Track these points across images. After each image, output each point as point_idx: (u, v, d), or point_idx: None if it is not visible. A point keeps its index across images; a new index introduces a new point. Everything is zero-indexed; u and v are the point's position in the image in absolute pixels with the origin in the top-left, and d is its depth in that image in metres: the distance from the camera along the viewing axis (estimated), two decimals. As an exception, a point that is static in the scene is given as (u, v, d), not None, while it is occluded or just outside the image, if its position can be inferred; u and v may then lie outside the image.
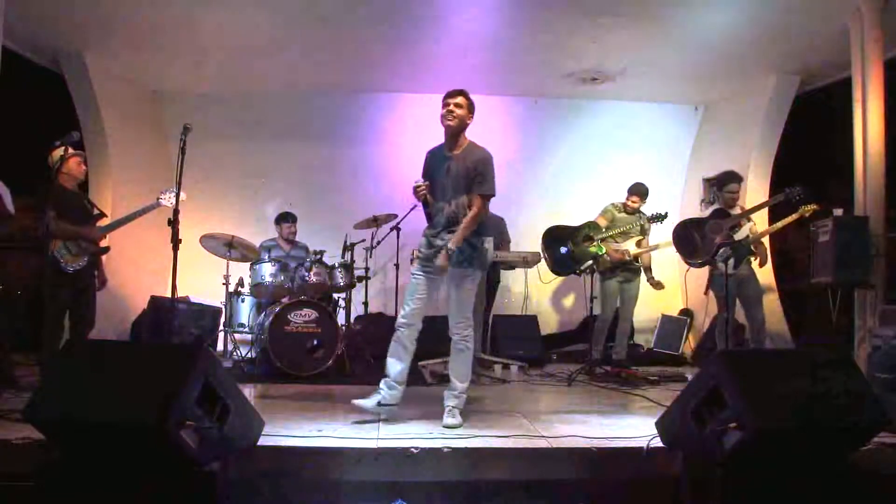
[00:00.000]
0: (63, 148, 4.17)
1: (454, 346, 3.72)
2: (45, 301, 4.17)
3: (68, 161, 4.43)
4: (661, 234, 5.92)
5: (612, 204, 6.02)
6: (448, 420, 3.55)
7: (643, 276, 5.97)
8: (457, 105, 3.62)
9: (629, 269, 5.89)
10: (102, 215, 4.82)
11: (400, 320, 3.76)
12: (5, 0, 4.92)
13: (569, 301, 7.48)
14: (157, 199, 4.72)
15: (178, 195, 4.06)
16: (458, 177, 3.64)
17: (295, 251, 6.51)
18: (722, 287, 5.07)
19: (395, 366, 3.72)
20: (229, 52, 6.36)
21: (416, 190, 3.71)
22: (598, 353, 5.82)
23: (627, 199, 5.95)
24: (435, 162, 3.77)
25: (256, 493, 2.81)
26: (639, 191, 5.93)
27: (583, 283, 6.05)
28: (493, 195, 3.67)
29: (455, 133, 3.67)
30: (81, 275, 4.53)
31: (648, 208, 5.90)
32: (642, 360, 6.80)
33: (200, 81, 7.17)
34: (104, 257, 4.85)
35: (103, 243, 4.70)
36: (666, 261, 6.94)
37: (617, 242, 5.84)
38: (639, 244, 5.90)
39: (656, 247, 5.91)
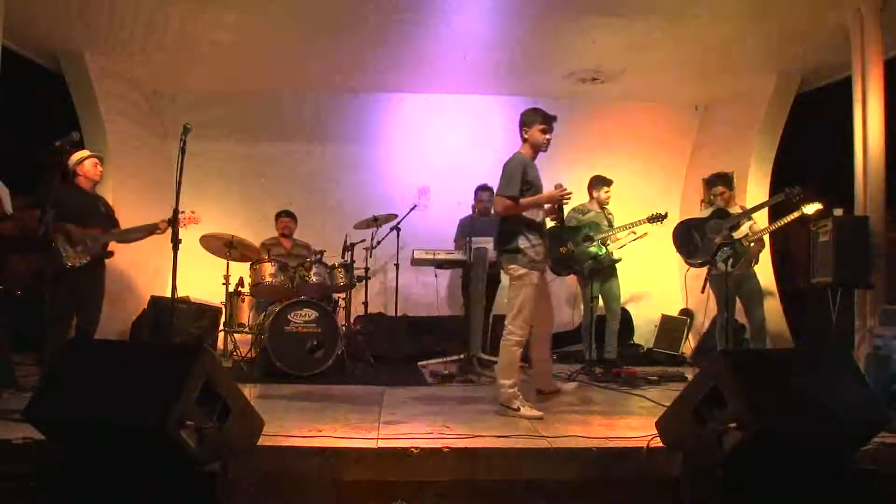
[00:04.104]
0: (83, 151, 4.26)
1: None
2: (45, 301, 4.18)
3: (83, 163, 4.63)
4: (656, 232, 5.92)
5: (573, 209, 6.04)
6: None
7: (635, 275, 6.00)
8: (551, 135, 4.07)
9: (608, 269, 5.89)
10: (114, 222, 4.87)
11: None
12: (5, 0, 4.92)
13: (568, 301, 7.48)
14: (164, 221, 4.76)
15: (177, 195, 4.06)
16: None
17: (296, 249, 6.52)
18: (722, 287, 5.07)
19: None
20: (229, 51, 6.35)
21: (565, 192, 3.93)
22: (593, 354, 5.83)
23: (596, 192, 5.98)
24: (535, 171, 4.00)
25: (256, 493, 2.81)
26: (607, 181, 5.96)
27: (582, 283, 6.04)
28: None
29: None
30: (81, 273, 4.54)
31: (648, 208, 5.89)
32: (642, 360, 6.80)
33: (200, 81, 7.17)
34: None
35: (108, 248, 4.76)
36: (666, 261, 6.95)
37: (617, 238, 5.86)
38: (613, 239, 5.89)
39: (635, 238, 5.88)
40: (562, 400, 4.34)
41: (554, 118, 3.98)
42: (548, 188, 4.09)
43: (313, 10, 5.55)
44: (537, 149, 4.01)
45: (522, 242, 3.82)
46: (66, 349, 3.13)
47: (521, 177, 3.85)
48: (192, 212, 4.64)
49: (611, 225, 5.92)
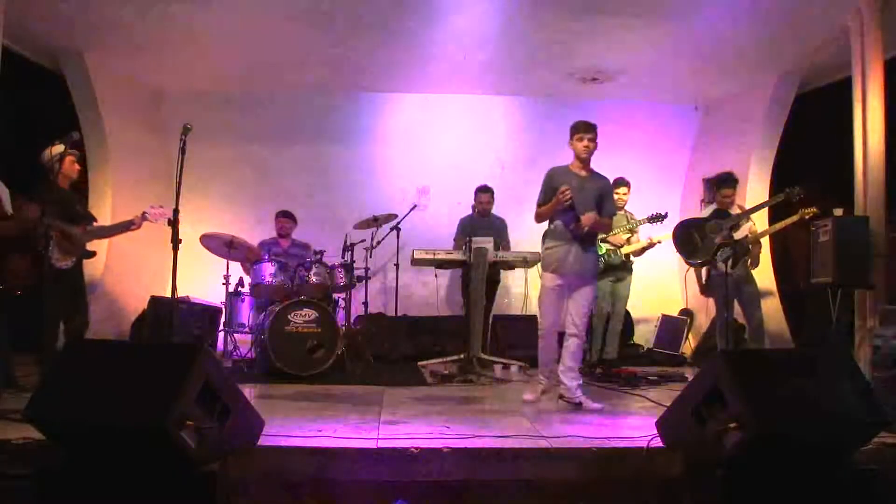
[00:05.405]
0: (59, 146, 4.20)
1: None
2: (44, 301, 4.17)
3: (64, 160, 4.48)
4: (659, 232, 5.91)
5: None
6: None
7: (634, 276, 5.99)
8: (591, 140, 4.28)
9: (621, 268, 5.88)
10: (92, 219, 4.85)
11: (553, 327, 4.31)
12: (5, 0, 4.92)
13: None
14: (143, 213, 4.71)
15: (177, 195, 4.06)
16: (589, 195, 4.26)
17: (294, 249, 6.52)
18: (721, 287, 5.06)
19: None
20: (229, 52, 6.36)
21: (564, 194, 4.10)
22: (595, 353, 5.82)
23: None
24: (566, 179, 4.24)
25: (256, 493, 2.81)
26: (624, 182, 5.92)
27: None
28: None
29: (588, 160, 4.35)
30: (71, 275, 4.54)
31: (648, 208, 5.89)
32: (642, 360, 6.79)
33: (200, 81, 7.17)
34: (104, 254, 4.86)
35: (88, 247, 4.73)
36: (666, 261, 6.95)
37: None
38: (628, 241, 5.89)
39: (650, 244, 5.88)
40: (562, 400, 4.34)
41: (590, 125, 4.27)
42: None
43: (313, 11, 5.55)
44: (579, 156, 4.31)
45: (541, 247, 4.33)
46: (66, 349, 3.13)
47: (546, 186, 4.29)
48: (161, 206, 4.65)
49: (632, 230, 5.90)
